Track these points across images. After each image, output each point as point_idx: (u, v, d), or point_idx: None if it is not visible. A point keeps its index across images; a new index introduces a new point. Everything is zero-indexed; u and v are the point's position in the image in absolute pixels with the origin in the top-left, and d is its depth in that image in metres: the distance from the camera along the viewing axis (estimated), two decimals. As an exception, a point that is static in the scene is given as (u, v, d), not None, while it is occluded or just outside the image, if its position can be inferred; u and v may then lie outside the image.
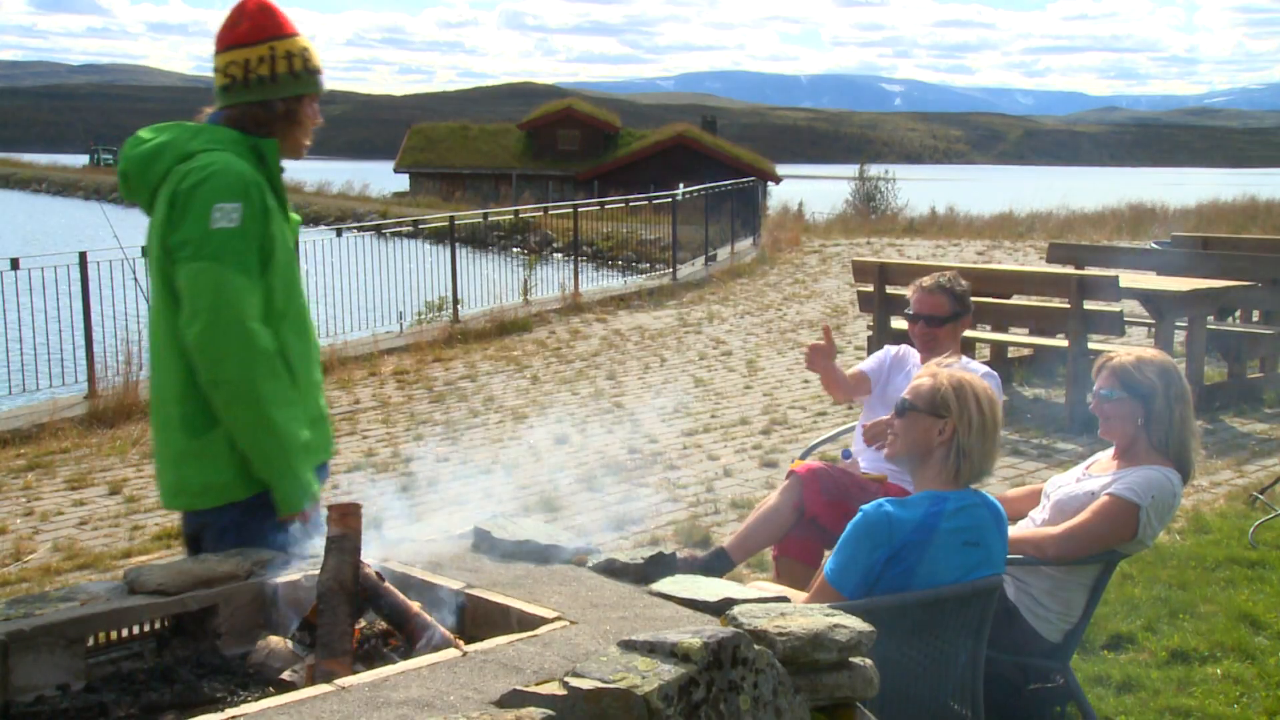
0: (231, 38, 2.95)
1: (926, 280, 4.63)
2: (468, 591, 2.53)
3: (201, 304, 2.73)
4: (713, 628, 2.10)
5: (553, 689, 1.91)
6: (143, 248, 3.13)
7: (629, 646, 2.03)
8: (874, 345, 9.33)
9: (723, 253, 20.52)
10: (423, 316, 13.65)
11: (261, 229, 2.82)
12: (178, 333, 2.80)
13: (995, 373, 4.45)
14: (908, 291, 4.77)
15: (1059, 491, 3.70)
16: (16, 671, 2.29)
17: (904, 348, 4.83)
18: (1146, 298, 8.62)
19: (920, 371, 3.26)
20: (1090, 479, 3.65)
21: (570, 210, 17.76)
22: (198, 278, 2.73)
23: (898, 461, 3.28)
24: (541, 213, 22.38)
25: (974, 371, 3.86)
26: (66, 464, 7.71)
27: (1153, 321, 8.72)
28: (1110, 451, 3.74)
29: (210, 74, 3.05)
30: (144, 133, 2.97)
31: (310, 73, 3.00)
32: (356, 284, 13.25)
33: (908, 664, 2.99)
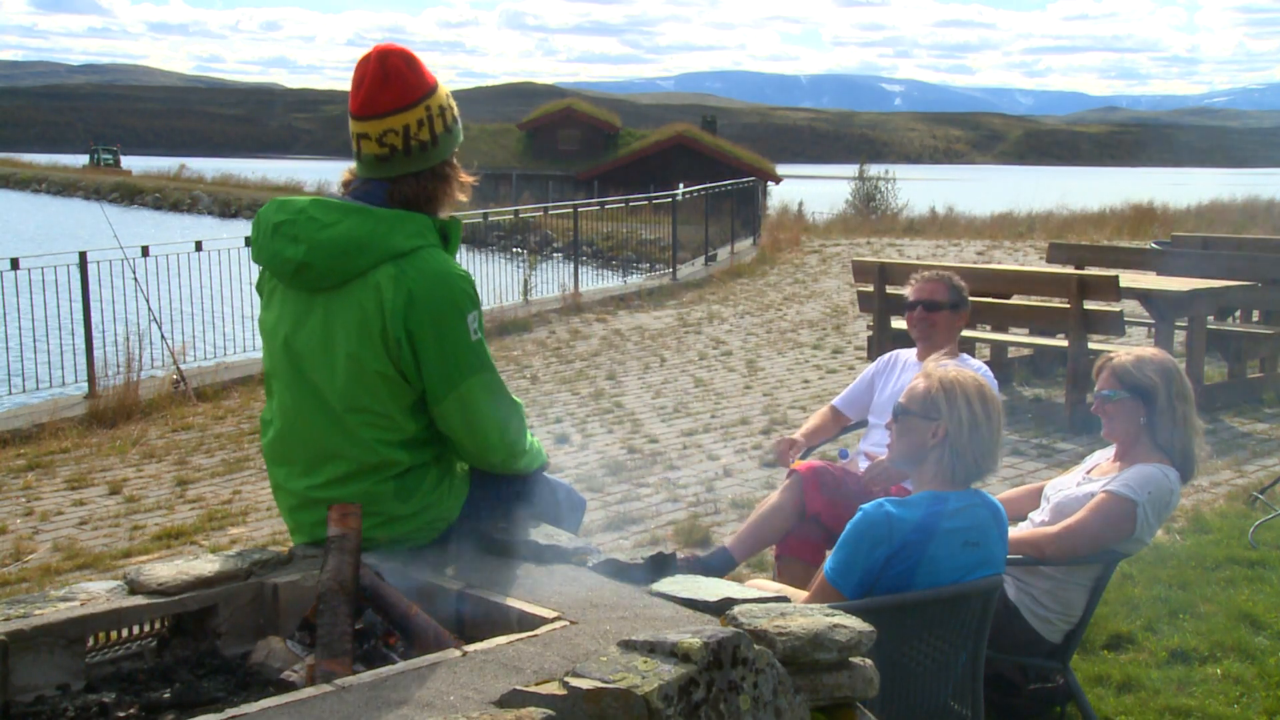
0: (385, 102, 2.69)
1: (925, 272, 4.86)
2: (468, 591, 2.53)
3: (501, 413, 2.84)
4: (713, 628, 2.10)
5: (553, 689, 1.91)
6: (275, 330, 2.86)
7: (629, 646, 2.03)
8: (874, 345, 9.33)
9: (723, 253, 20.52)
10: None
11: None
12: (442, 426, 2.80)
13: (990, 373, 4.46)
14: (906, 290, 4.81)
15: (1059, 494, 3.69)
16: (16, 671, 2.29)
17: (896, 353, 4.85)
18: (1146, 298, 8.61)
19: (917, 373, 3.26)
20: (1091, 482, 3.64)
21: (570, 210, 17.75)
22: (486, 390, 2.80)
23: (897, 464, 3.28)
24: (541, 213, 22.36)
25: (971, 368, 3.86)
26: (66, 464, 7.70)
27: (1153, 321, 8.72)
28: (1110, 454, 3.73)
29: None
30: (312, 209, 2.74)
31: (458, 122, 2.84)
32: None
33: (908, 664, 2.99)
